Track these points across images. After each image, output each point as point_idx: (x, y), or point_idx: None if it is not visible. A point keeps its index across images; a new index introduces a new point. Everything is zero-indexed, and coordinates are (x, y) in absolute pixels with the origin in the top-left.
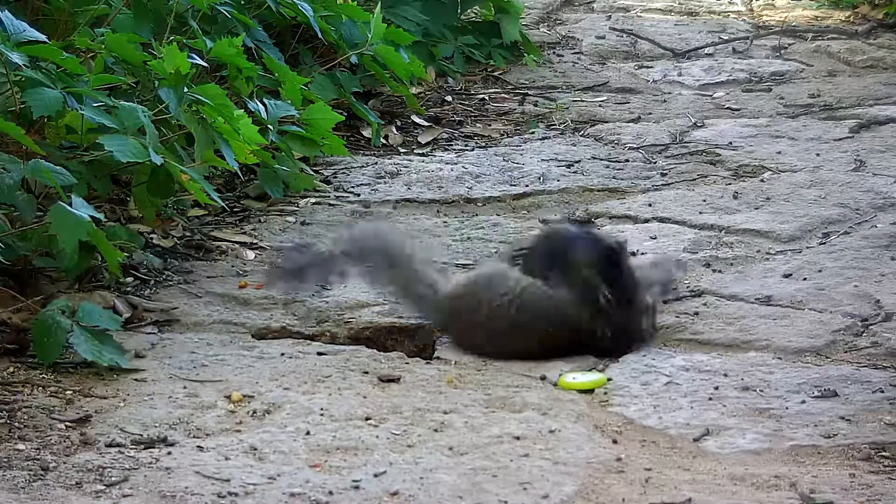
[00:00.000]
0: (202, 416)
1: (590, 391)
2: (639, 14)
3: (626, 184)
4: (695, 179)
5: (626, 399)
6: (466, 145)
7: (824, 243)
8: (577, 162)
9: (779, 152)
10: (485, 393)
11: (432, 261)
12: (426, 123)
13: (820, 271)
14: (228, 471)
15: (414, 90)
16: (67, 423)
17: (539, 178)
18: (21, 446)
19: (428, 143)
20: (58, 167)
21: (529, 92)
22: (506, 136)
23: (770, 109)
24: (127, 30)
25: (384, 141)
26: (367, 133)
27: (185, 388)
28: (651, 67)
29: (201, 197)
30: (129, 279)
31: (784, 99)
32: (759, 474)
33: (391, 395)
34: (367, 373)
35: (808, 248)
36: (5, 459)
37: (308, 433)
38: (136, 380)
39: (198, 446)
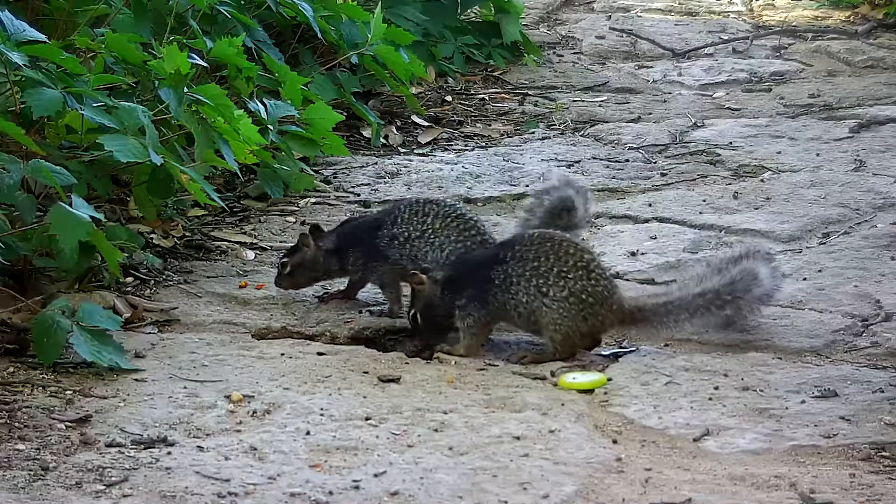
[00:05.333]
0: (202, 416)
1: (590, 391)
2: (639, 14)
3: (626, 184)
4: (695, 179)
5: (626, 399)
6: (466, 145)
7: (824, 243)
8: (577, 162)
9: (779, 152)
10: (485, 393)
11: None
12: (426, 123)
13: (820, 271)
14: (228, 471)
15: (414, 90)
16: (67, 423)
17: (539, 178)
18: (21, 446)
19: (428, 143)
20: (58, 167)
21: (529, 92)
22: (506, 136)
23: (770, 109)
24: (127, 30)
25: (384, 141)
26: (367, 133)
27: (185, 388)
28: (651, 67)
29: (201, 197)
30: (129, 279)
31: (784, 99)
32: (759, 474)
33: (391, 395)
34: (367, 373)
35: (808, 248)
36: (5, 459)
37: (308, 433)
38: (136, 380)
39: (198, 446)
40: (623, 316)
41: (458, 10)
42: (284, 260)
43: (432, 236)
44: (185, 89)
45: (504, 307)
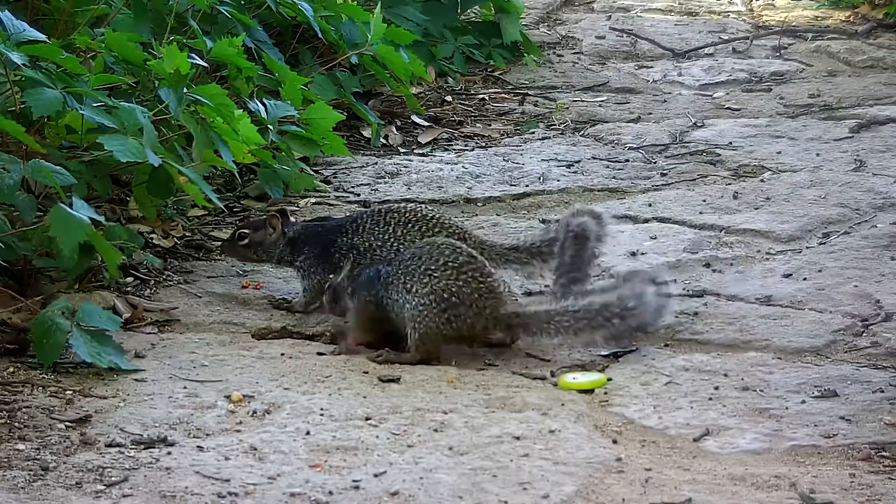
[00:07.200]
0: (202, 416)
1: (590, 391)
2: (639, 14)
3: (626, 184)
4: (695, 179)
5: (626, 399)
6: (466, 145)
7: (824, 243)
8: (577, 162)
9: (779, 152)
10: (485, 393)
11: None
12: (426, 123)
13: (820, 271)
14: (228, 471)
15: (414, 90)
16: (67, 423)
17: (539, 178)
18: (21, 446)
19: (428, 143)
20: (58, 167)
21: (529, 92)
22: (506, 136)
23: (770, 109)
24: (127, 30)
25: (384, 141)
26: (367, 133)
27: (185, 388)
28: (651, 67)
29: (199, 199)
30: (129, 279)
31: (784, 99)
32: (759, 474)
33: (391, 395)
34: (366, 373)
35: (808, 248)
36: (5, 459)
37: (308, 433)
38: (136, 380)
39: (198, 446)
40: (497, 321)
41: (458, 10)
42: (244, 231)
43: (394, 244)
44: (185, 89)
45: (385, 306)
